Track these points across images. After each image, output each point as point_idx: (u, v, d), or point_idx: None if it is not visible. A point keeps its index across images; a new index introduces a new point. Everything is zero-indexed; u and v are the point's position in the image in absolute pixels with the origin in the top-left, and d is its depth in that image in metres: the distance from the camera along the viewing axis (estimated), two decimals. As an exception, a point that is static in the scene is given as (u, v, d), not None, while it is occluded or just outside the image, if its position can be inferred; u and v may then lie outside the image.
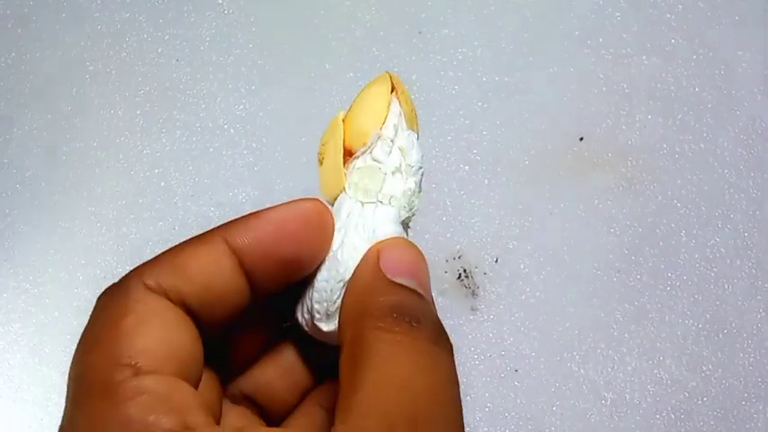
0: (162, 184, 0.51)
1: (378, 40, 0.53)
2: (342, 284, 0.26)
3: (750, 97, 0.52)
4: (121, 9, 0.53)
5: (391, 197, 0.28)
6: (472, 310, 0.48)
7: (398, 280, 0.25)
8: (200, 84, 0.52)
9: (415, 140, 0.29)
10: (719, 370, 0.47)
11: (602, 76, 0.52)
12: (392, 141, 0.28)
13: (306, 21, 0.53)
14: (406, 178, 0.28)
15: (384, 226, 0.27)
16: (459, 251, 0.49)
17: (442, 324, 0.25)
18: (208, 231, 0.26)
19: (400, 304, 0.24)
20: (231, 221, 0.26)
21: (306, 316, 0.28)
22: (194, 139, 0.51)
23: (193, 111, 0.52)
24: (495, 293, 0.48)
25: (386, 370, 0.23)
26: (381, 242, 0.27)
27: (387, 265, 0.26)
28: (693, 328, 0.48)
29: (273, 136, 0.51)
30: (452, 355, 0.25)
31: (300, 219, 0.27)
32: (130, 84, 0.52)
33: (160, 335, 0.24)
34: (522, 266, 0.49)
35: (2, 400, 0.47)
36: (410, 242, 0.27)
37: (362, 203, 0.28)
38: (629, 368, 0.47)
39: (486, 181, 0.50)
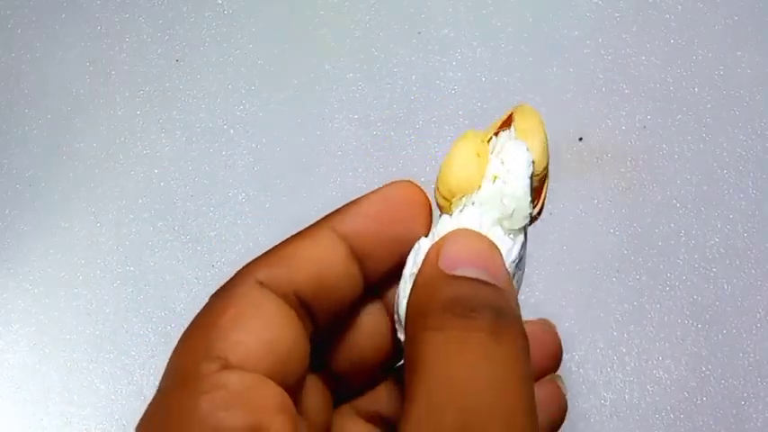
0: (162, 184, 0.51)
1: (377, 40, 0.53)
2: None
3: (750, 97, 0.52)
4: (121, 9, 0.53)
5: None
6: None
7: (458, 272, 0.23)
8: (200, 84, 0.52)
9: (517, 238, 0.26)
10: (719, 370, 0.47)
11: (602, 76, 0.52)
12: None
13: (306, 21, 0.53)
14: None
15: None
16: (458, 251, 0.49)
17: (512, 313, 0.23)
18: (314, 223, 0.26)
19: (455, 297, 0.23)
20: (334, 211, 0.26)
21: (396, 326, 0.26)
22: (194, 139, 0.51)
23: (193, 111, 0.52)
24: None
25: (436, 376, 0.21)
26: (443, 237, 0.25)
27: (445, 257, 0.24)
28: (693, 328, 0.48)
29: (273, 136, 0.51)
30: (521, 348, 0.22)
31: (401, 196, 0.27)
32: (130, 84, 0.52)
33: (258, 330, 0.23)
34: (521, 266, 0.49)
35: (2, 400, 0.47)
36: (473, 230, 0.25)
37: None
38: (629, 368, 0.47)
39: (485, 181, 0.50)
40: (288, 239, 0.26)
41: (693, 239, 0.49)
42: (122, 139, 0.51)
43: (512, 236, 0.26)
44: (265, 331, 0.23)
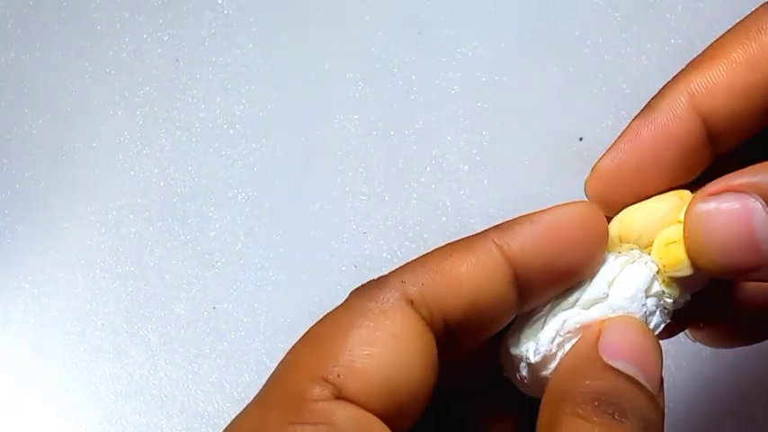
0: (162, 184, 0.51)
1: (377, 40, 0.53)
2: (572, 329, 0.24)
3: (750, 97, 0.52)
4: (121, 9, 0.53)
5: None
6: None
7: (616, 364, 0.22)
8: (200, 84, 0.52)
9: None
10: (719, 370, 0.47)
11: (601, 76, 0.52)
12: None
13: (305, 21, 0.53)
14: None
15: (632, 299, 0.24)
16: (458, 251, 0.49)
17: (659, 426, 0.22)
18: (477, 235, 0.23)
19: (608, 391, 0.21)
20: (502, 224, 0.24)
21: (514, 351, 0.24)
22: (194, 139, 0.51)
23: (193, 111, 0.52)
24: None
25: None
26: (609, 319, 0.23)
27: (606, 344, 0.22)
28: (693, 328, 0.48)
29: (273, 136, 0.51)
30: None
31: (578, 222, 0.24)
32: (130, 84, 0.52)
33: (388, 360, 0.21)
34: (521, 266, 0.49)
35: (2, 400, 0.47)
36: (642, 324, 0.23)
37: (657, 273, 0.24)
38: (629, 368, 0.47)
39: (486, 181, 0.50)
40: (446, 248, 0.23)
41: (693, 239, 0.49)
42: (122, 139, 0.51)
43: (663, 313, 0.25)
44: (397, 363, 0.21)
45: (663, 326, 0.25)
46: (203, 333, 0.47)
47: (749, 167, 0.23)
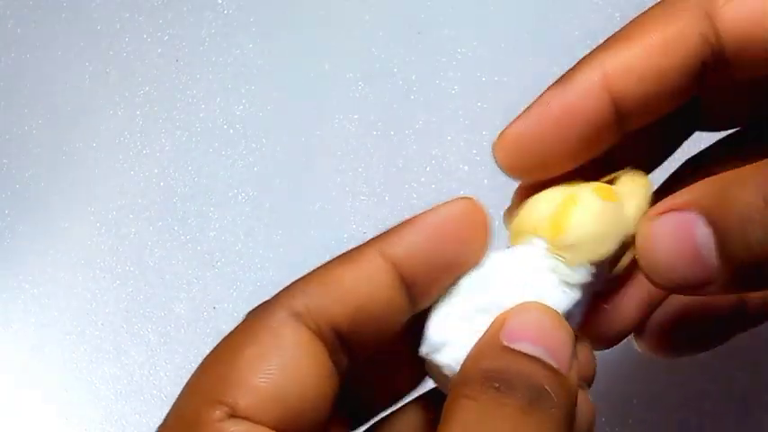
0: (162, 184, 0.51)
1: (377, 40, 0.53)
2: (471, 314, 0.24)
3: (750, 97, 0.52)
4: (121, 9, 0.53)
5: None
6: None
7: (516, 346, 0.22)
8: (200, 84, 0.52)
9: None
10: (719, 370, 0.47)
11: (602, 76, 0.52)
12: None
13: (305, 21, 0.53)
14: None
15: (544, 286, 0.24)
16: (458, 251, 0.49)
17: (558, 401, 0.21)
18: (361, 245, 0.24)
19: (499, 368, 0.21)
20: (384, 232, 0.24)
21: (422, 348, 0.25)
22: (194, 139, 0.51)
23: (193, 111, 0.52)
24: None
25: None
26: (515, 307, 0.23)
27: (508, 329, 0.22)
28: (693, 328, 0.48)
29: (273, 136, 0.51)
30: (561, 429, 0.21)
31: (457, 216, 0.25)
32: (130, 84, 0.52)
33: (279, 374, 0.22)
34: (521, 266, 0.49)
35: (2, 400, 0.47)
36: (543, 305, 0.23)
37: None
38: (629, 368, 0.47)
39: (485, 181, 0.50)
40: (331, 262, 0.24)
41: (693, 239, 0.49)
42: (122, 139, 0.51)
43: (566, 289, 0.25)
44: (286, 376, 0.22)
45: (574, 304, 0.25)
46: (203, 333, 0.47)
47: (690, 186, 0.23)
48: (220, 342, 0.23)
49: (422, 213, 0.25)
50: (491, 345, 0.22)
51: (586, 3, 0.54)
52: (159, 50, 0.53)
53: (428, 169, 0.50)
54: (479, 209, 0.25)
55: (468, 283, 0.25)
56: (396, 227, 0.24)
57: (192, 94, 0.52)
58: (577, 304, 0.25)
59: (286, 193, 0.50)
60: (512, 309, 0.23)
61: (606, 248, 0.25)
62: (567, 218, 0.25)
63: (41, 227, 0.50)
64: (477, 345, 0.23)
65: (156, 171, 0.51)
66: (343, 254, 0.24)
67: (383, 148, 0.51)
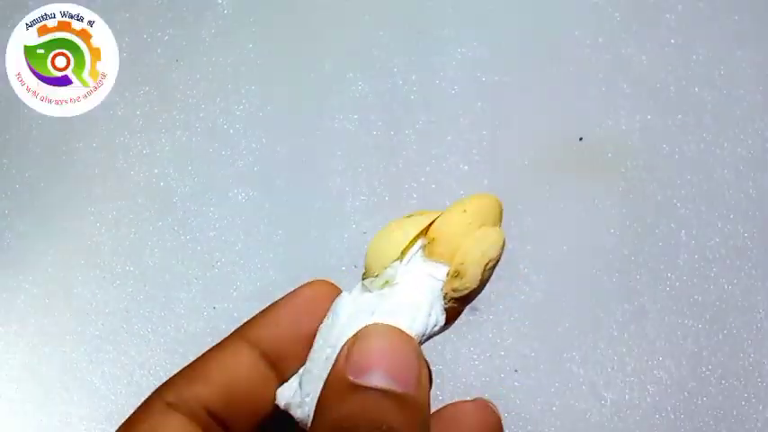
0: (162, 184, 0.51)
1: (378, 40, 0.53)
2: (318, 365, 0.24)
3: (750, 97, 0.52)
4: (121, 9, 0.53)
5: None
6: (472, 310, 0.48)
7: (361, 380, 0.22)
8: (200, 84, 0.52)
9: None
10: (719, 370, 0.47)
11: (602, 76, 0.52)
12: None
13: (305, 21, 0.53)
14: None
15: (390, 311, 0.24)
16: (458, 251, 0.49)
17: (414, 425, 0.22)
18: (228, 336, 0.26)
19: (350, 416, 0.21)
20: (247, 321, 0.26)
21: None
22: (194, 139, 0.51)
23: (193, 111, 0.52)
24: (494, 293, 0.48)
25: None
26: (358, 333, 0.23)
27: (351, 362, 0.22)
28: (693, 328, 0.48)
29: (273, 136, 0.51)
30: None
31: (314, 295, 0.26)
32: (130, 84, 0.52)
33: None
34: (521, 266, 0.49)
35: (2, 400, 0.47)
36: (393, 327, 0.23)
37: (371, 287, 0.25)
38: (629, 368, 0.47)
39: (485, 181, 0.50)
40: (201, 356, 0.25)
41: (694, 239, 0.49)
42: (122, 139, 0.51)
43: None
44: None
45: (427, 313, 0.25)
46: (203, 333, 0.47)
47: None
48: None
49: (282, 297, 0.26)
50: (336, 382, 0.22)
51: (586, 3, 0.54)
52: (159, 50, 0.53)
53: (428, 169, 0.50)
54: (333, 287, 0.26)
55: (318, 336, 0.25)
56: (257, 314, 0.26)
57: (192, 94, 0.52)
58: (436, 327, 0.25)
59: (286, 193, 0.50)
60: (353, 336, 0.23)
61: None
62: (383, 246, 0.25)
63: (41, 227, 0.50)
64: (324, 385, 0.23)
65: (156, 171, 0.51)
66: (211, 347, 0.26)
67: (383, 148, 0.51)
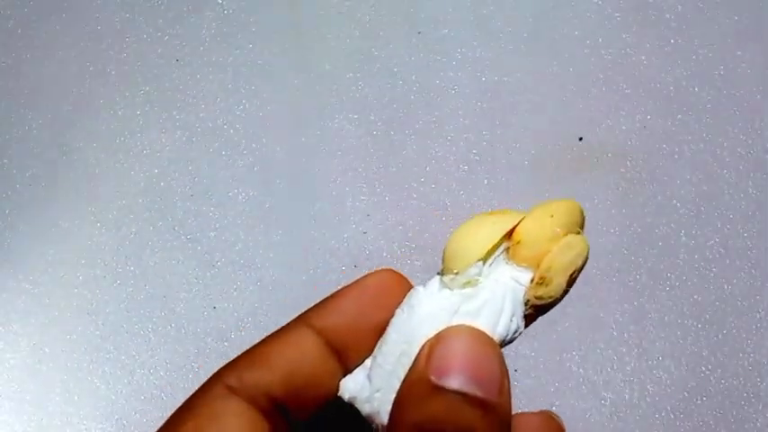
0: (162, 184, 0.51)
1: (377, 40, 0.53)
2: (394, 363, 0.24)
3: (750, 97, 0.52)
4: (121, 9, 0.53)
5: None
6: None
7: (444, 382, 0.21)
8: (200, 84, 0.52)
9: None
10: (719, 370, 0.47)
11: (602, 76, 0.52)
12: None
13: (306, 21, 0.53)
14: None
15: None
16: (458, 251, 0.49)
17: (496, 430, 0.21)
18: (291, 321, 0.26)
19: (434, 418, 0.21)
20: (311, 307, 0.26)
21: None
22: (194, 139, 0.51)
23: (193, 111, 0.52)
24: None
25: None
26: (440, 333, 0.23)
27: (434, 363, 0.22)
28: (693, 328, 0.48)
29: (273, 136, 0.51)
30: None
31: (380, 285, 0.26)
32: (130, 84, 0.52)
33: None
34: (521, 266, 0.49)
35: (2, 400, 0.47)
36: (476, 329, 0.23)
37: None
38: (629, 368, 0.47)
39: (485, 181, 0.50)
40: (263, 340, 0.25)
41: (693, 239, 0.49)
42: (122, 139, 0.51)
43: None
44: None
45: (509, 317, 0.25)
46: (203, 333, 0.47)
47: None
48: (165, 422, 0.24)
49: (346, 285, 0.26)
50: (418, 383, 0.22)
51: (586, 3, 0.54)
52: (159, 50, 0.53)
53: (428, 169, 0.50)
54: (400, 277, 0.26)
55: (390, 329, 0.25)
56: (321, 301, 0.26)
57: (192, 94, 0.52)
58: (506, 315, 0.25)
59: (286, 193, 0.50)
60: (436, 336, 0.23)
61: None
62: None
63: (41, 227, 0.50)
64: (403, 384, 0.23)
65: (156, 171, 0.51)
66: (274, 332, 0.25)
67: (383, 148, 0.51)
